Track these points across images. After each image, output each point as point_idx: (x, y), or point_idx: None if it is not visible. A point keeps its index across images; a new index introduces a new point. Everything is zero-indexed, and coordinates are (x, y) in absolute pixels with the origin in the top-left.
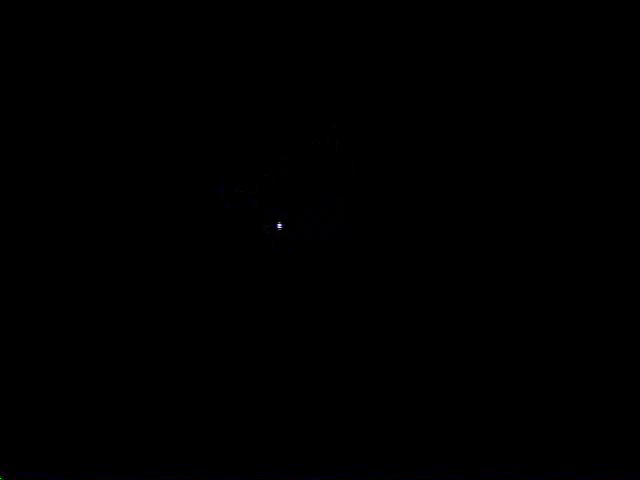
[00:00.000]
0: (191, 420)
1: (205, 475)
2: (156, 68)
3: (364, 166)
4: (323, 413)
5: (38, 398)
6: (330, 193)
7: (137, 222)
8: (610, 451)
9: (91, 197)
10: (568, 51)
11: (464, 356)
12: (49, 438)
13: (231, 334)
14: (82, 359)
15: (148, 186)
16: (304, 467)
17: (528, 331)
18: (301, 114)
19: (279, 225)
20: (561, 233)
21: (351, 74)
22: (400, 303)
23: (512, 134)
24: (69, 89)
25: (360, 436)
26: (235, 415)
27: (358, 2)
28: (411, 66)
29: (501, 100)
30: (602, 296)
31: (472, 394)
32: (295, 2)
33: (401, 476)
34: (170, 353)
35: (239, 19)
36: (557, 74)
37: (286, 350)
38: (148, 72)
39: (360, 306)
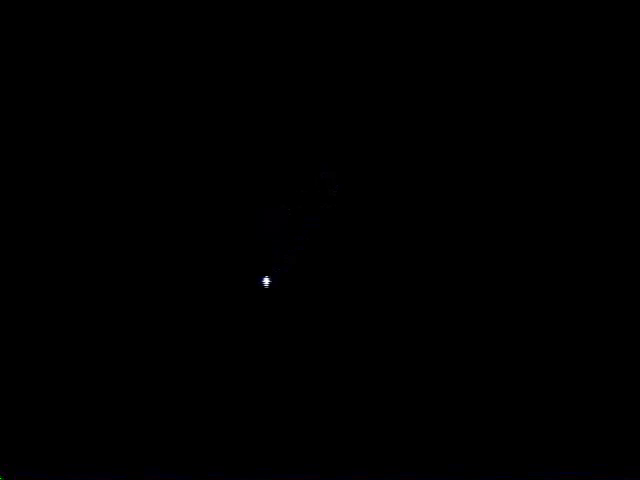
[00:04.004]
0: (189, 422)
1: (205, 476)
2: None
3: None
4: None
5: (38, 398)
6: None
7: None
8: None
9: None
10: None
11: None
12: (49, 438)
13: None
14: (82, 359)
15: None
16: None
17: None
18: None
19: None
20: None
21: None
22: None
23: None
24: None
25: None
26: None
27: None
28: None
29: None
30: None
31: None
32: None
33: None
34: (169, 355)
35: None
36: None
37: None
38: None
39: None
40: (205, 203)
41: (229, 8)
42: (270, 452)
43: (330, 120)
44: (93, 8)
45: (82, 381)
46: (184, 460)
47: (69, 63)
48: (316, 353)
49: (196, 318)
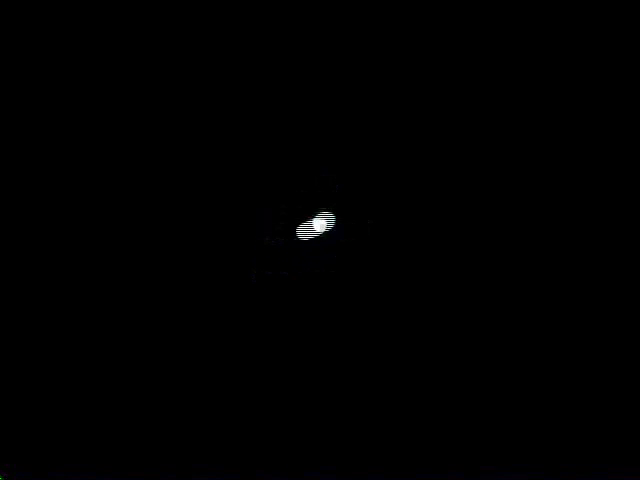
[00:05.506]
0: (189, 422)
1: (205, 476)
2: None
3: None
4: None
5: (38, 398)
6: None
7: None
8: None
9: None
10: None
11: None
12: (49, 438)
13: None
14: (81, 359)
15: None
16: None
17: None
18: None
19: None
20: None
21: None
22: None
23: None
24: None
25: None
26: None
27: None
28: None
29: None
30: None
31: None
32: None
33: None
34: (170, 355)
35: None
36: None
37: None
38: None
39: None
40: (205, 203)
41: (228, 8)
42: (271, 454)
43: (330, 120)
44: (93, 8)
45: (81, 381)
46: (184, 460)
47: (69, 63)
48: (319, 354)
49: (195, 317)
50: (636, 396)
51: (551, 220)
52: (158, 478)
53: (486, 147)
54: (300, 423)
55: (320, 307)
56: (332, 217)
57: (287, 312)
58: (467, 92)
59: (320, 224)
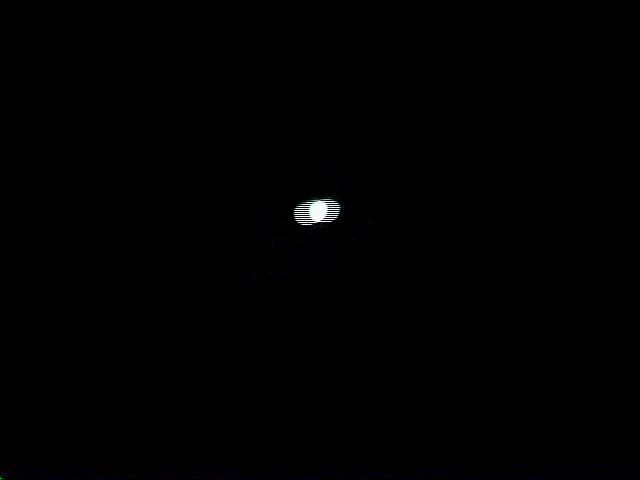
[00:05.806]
0: (189, 422)
1: (205, 476)
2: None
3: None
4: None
5: (38, 398)
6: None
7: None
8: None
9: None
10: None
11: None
12: (49, 438)
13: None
14: (82, 359)
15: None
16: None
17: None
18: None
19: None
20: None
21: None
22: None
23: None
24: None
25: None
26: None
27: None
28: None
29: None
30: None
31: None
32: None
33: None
34: (169, 355)
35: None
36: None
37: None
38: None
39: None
40: (205, 204)
41: (228, 8)
42: (270, 452)
43: (330, 120)
44: (93, 8)
45: (81, 381)
46: (183, 459)
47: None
48: (317, 353)
49: (195, 317)
50: (635, 396)
51: (550, 221)
52: (158, 477)
53: (485, 147)
54: (300, 421)
55: (320, 307)
56: (334, 207)
57: (287, 312)
58: (466, 92)
59: (320, 212)
